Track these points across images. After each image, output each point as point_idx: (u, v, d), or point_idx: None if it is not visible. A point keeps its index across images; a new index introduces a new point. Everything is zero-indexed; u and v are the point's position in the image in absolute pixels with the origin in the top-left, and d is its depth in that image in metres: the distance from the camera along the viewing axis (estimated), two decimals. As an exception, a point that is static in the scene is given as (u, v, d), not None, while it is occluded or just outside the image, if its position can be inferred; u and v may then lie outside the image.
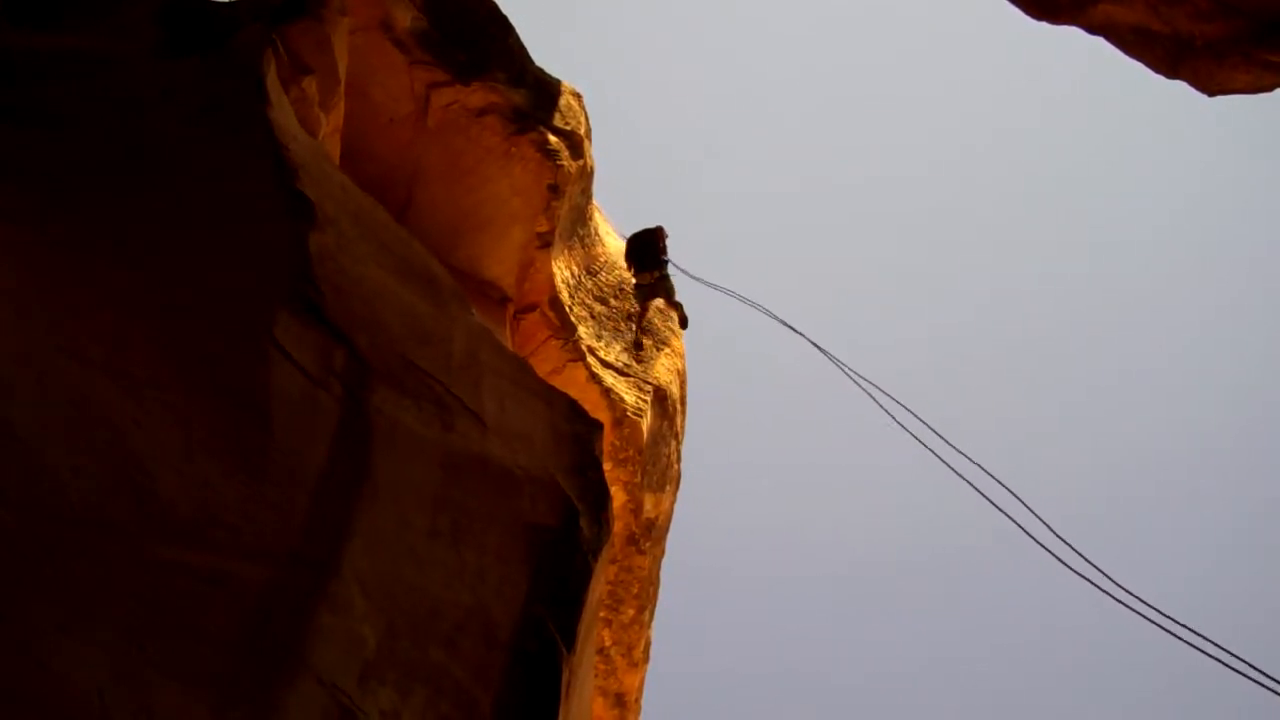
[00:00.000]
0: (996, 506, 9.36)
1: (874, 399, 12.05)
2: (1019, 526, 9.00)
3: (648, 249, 16.42)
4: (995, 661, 55.12)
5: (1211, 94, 8.83)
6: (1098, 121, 65.71)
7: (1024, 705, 53.06)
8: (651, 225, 16.74)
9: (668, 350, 17.49)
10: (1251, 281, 57.84)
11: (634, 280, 16.68)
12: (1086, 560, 8.23)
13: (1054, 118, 67.35)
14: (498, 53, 14.38)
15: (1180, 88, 9.13)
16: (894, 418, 11.58)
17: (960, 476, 10.01)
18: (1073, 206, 65.24)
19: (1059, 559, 8.37)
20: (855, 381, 12.42)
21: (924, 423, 11.23)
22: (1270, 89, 8.43)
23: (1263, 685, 6.50)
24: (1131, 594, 7.73)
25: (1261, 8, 7.67)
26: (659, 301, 16.90)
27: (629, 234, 17.09)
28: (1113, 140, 65.05)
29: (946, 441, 10.63)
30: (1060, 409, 60.84)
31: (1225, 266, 59.77)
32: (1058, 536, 8.59)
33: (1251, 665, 6.65)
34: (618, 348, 16.36)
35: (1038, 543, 8.71)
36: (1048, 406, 60.91)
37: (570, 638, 6.40)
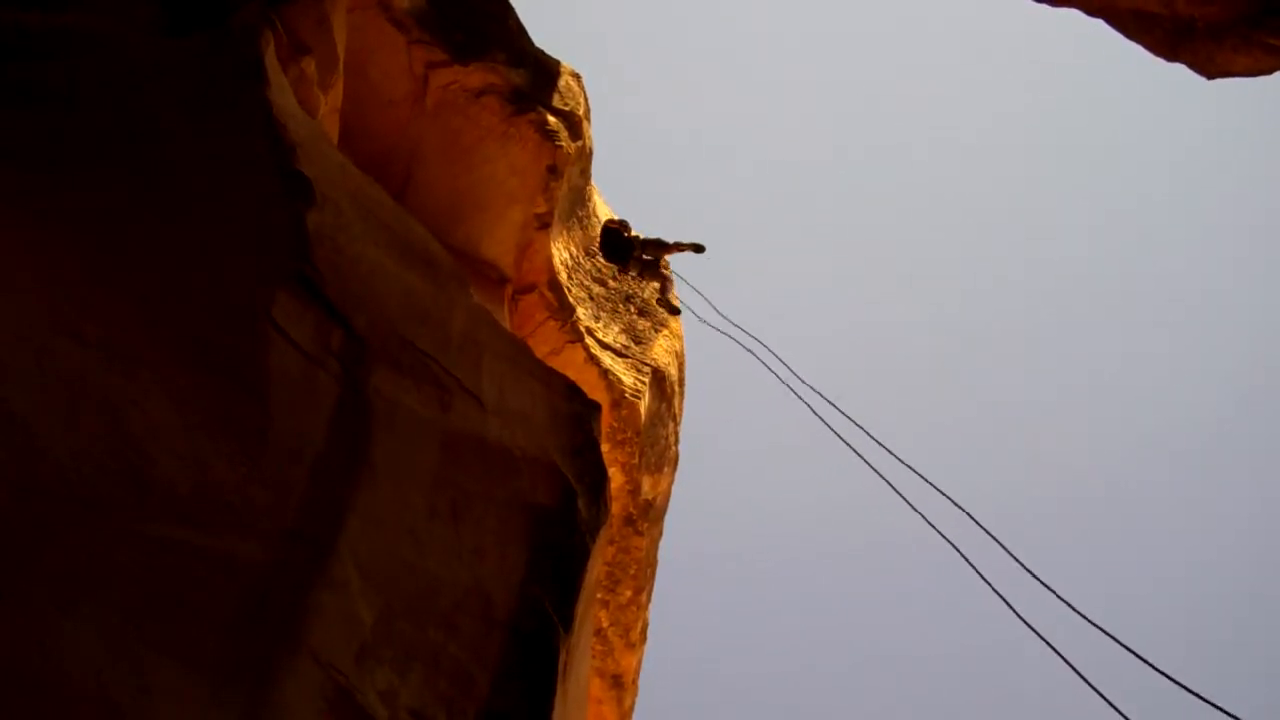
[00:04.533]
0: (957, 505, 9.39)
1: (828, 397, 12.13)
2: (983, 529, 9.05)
3: (613, 243, 16.44)
4: (992, 656, 55.30)
5: (1211, 77, 8.82)
6: (1096, 104, 65.52)
7: (1019, 702, 53.35)
8: (615, 222, 16.83)
9: (666, 332, 17.50)
10: (1251, 271, 57.77)
11: (633, 274, 16.70)
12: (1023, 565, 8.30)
13: (1052, 100, 67.16)
14: (497, 33, 14.34)
15: (1178, 71, 9.12)
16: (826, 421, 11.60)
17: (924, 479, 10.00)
18: (1067, 192, 65.16)
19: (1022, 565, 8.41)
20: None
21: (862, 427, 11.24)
22: (1269, 72, 8.42)
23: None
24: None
25: (1262, -10, 7.66)
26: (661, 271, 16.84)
27: (627, 217, 17.09)
28: (1109, 124, 64.93)
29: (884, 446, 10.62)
30: (1056, 397, 60.85)
31: (1222, 254, 59.70)
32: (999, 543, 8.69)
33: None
34: (616, 329, 16.37)
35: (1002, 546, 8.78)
36: (1044, 394, 60.91)
37: (567, 618, 6.42)
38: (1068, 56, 66.07)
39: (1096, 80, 64.15)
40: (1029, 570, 8.22)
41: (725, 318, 15.03)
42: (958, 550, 8.95)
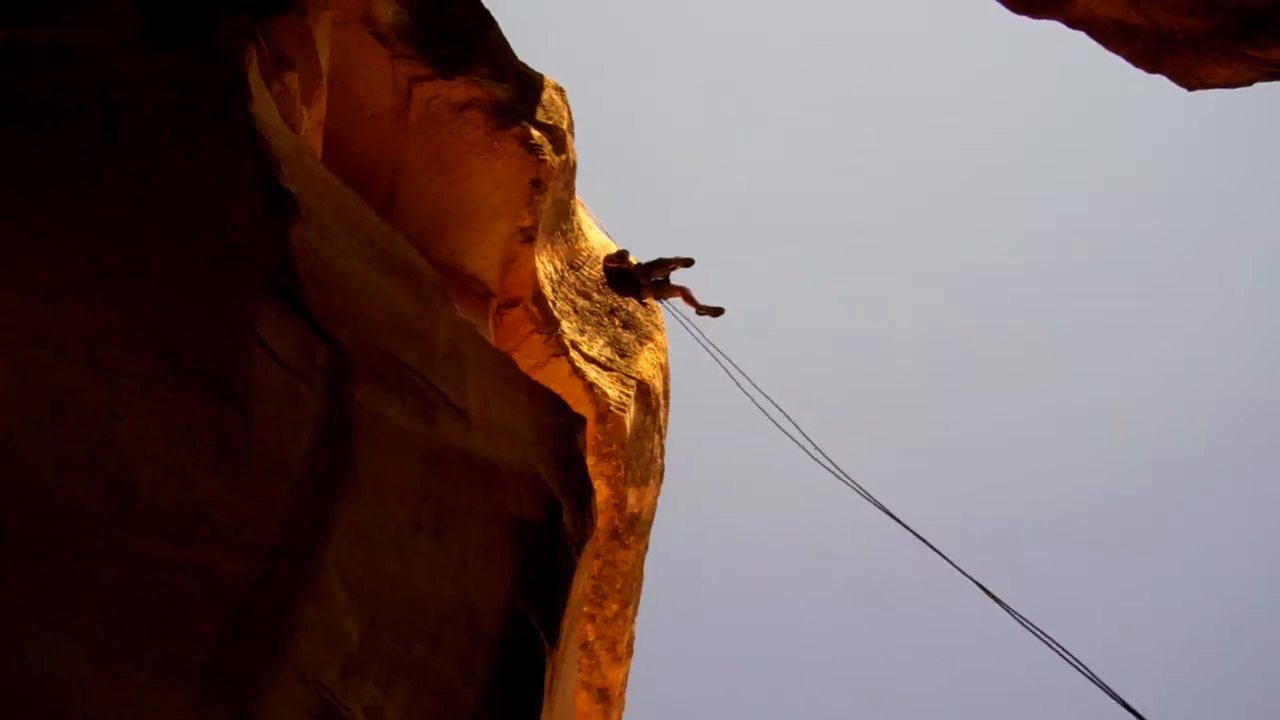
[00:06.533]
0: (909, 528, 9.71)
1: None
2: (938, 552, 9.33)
3: (618, 277, 16.55)
4: (990, 660, 55.32)
5: (1191, 88, 8.87)
6: (1091, 118, 65.74)
7: (1018, 705, 53.38)
8: (615, 251, 17.09)
9: (651, 345, 17.52)
10: (1249, 283, 57.89)
11: (644, 298, 16.83)
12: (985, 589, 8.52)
13: (1047, 115, 67.38)
14: (480, 47, 14.37)
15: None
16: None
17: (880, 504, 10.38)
18: (1066, 205, 65.33)
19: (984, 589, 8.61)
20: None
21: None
22: (1249, 83, 8.47)
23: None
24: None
25: (1241, 2, 7.71)
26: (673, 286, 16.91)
27: (611, 229, 17.20)
28: (1100, 136, 65.17)
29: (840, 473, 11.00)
30: (1059, 408, 60.92)
31: (1219, 267, 59.85)
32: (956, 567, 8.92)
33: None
34: (601, 342, 16.38)
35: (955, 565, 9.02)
36: (1046, 405, 60.97)
37: (553, 632, 6.41)
38: (1060, 69, 66.34)
39: (1089, 93, 64.33)
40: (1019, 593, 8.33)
41: (733, 368, 15.16)
42: (959, 568, 9.06)
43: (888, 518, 9.97)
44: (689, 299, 16.60)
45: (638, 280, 16.35)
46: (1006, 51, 68.54)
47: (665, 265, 16.34)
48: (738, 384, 14.36)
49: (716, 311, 16.54)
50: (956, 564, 9.00)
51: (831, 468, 11.49)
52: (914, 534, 9.56)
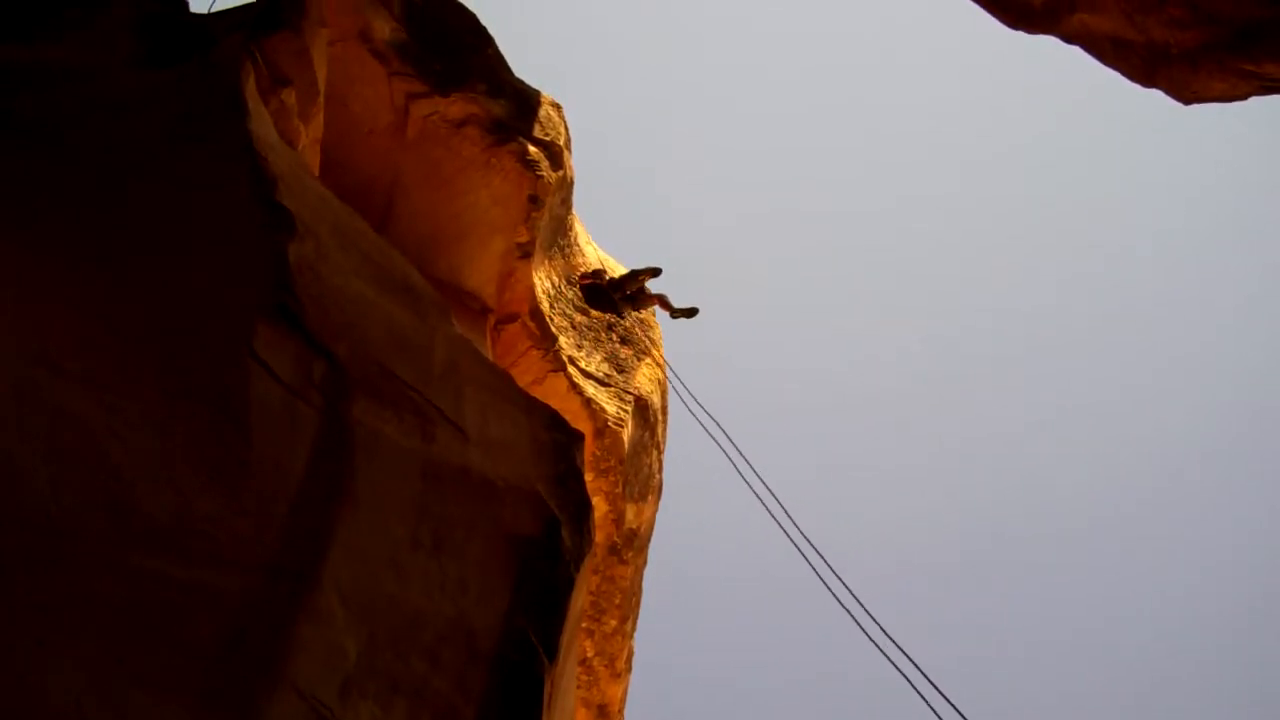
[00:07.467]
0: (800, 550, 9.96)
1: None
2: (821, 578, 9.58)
3: (594, 296, 16.74)
4: (989, 663, 55.21)
5: (1187, 102, 8.88)
6: (1093, 128, 65.89)
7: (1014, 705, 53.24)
8: (590, 270, 17.40)
9: (649, 360, 17.51)
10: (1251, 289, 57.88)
11: (629, 313, 17.03)
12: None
13: (1047, 125, 67.54)
14: (477, 64, 14.42)
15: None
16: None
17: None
18: (1064, 210, 65.41)
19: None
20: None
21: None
22: (1245, 97, 8.48)
23: None
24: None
25: (1236, 16, 7.72)
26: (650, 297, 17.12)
27: (608, 245, 17.30)
28: (1103, 145, 65.34)
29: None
30: (1059, 413, 60.91)
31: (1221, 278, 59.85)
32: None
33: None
34: (598, 357, 16.37)
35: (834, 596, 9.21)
36: (1046, 410, 60.96)
37: (552, 648, 6.38)
38: (1062, 80, 66.53)
39: (1090, 99, 64.38)
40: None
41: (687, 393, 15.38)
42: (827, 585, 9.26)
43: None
44: (665, 305, 16.93)
45: (611, 296, 16.55)
46: (1006, 67, 68.89)
47: (636, 278, 16.63)
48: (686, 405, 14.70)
49: (690, 313, 16.93)
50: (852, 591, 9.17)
51: (757, 490, 11.74)
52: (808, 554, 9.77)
